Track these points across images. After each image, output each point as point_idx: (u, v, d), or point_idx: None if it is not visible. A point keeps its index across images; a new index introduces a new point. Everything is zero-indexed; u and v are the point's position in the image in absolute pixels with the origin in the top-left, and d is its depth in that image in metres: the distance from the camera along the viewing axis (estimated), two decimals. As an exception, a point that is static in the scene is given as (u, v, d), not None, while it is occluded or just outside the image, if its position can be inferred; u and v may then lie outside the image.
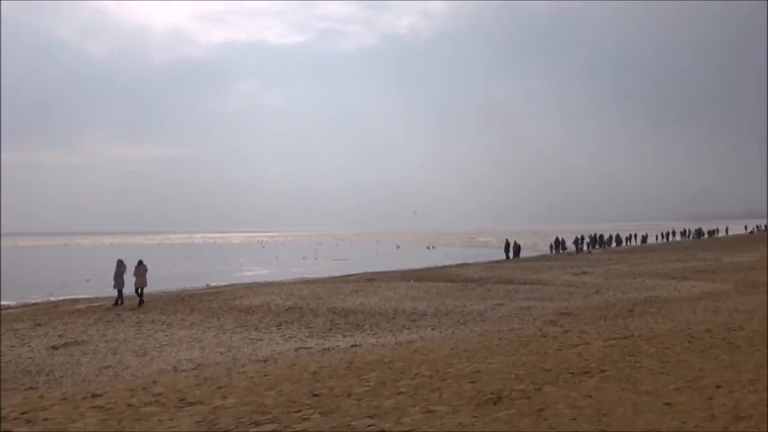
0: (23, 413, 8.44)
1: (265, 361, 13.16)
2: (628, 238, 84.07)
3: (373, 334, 16.64)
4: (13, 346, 16.20)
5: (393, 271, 41.95)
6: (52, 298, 30.55)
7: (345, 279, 36.41)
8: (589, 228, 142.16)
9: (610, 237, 79.37)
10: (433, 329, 17.04)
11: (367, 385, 9.07)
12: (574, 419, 6.94)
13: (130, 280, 26.13)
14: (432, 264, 51.17)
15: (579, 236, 70.13)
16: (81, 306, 25.73)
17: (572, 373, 9.28)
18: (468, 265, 47.41)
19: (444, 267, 45.48)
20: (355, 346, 14.57)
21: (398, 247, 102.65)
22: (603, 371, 9.34)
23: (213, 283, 37.31)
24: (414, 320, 19.07)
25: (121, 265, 26.11)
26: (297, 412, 7.68)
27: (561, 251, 65.88)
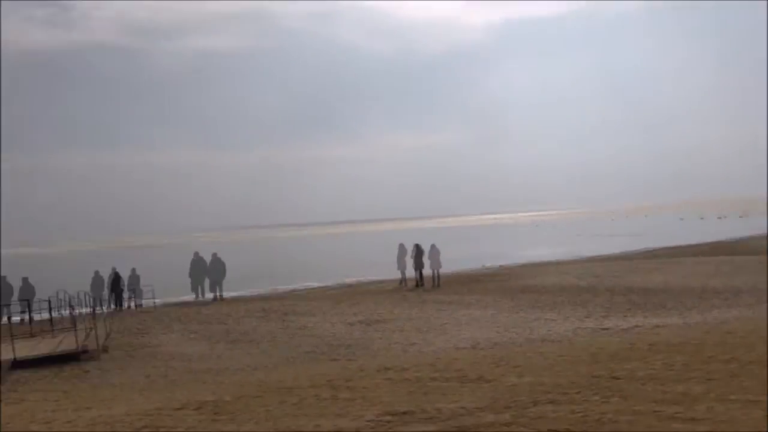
0: (329, 381, 9.15)
1: (559, 341, 12.75)
2: None
3: (679, 314, 15.25)
4: (318, 323, 18.00)
5: (694, 245, 38.31)
6: (347, 280, 33.51)
7: (640, 255, 34.19)
8: None
9: None
10: (749, 308, 15.01)
11: (672, 369, 8.10)
12: None
13: (410, 262, 27.25)
14: (738, 235, 45.71)
15: None
16: (371, 288, 27.79)
17: None
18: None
19: (752, 238, 40.29)
20: (659, 326, 13.43)
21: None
22: None
23: (492, 264, 37.68)
24: (726, 299, 17.08)
25: (402, 249, 27.39)
26: (594, 394, 7.10)
27: None
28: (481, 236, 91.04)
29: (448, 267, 30.95)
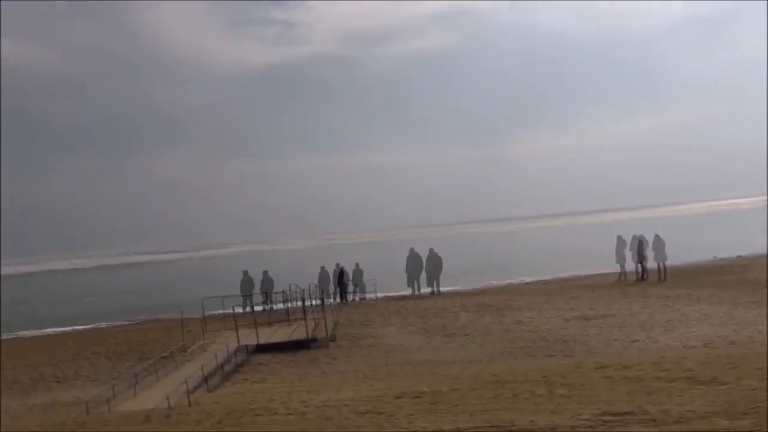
0: (544, 377, 9.03)
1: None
2: None
3: None
4: (534, 318, 17.75)
5: None
6: (563, 275, 32.47)
7: None
8: None
9: None
10: None
11: None
12: None
13: (629, 255, 25.60)
14: None
15: None
16: (588, 282, 26.70)
17: None
18: None
19: None
20: None
21: None
22: None
23: (727, 255, 34.18)
24: None
25: (621, 241, 25.82)
26: None
27: None
28: (717, 224, 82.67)
29: (677, 259, 28.68)
